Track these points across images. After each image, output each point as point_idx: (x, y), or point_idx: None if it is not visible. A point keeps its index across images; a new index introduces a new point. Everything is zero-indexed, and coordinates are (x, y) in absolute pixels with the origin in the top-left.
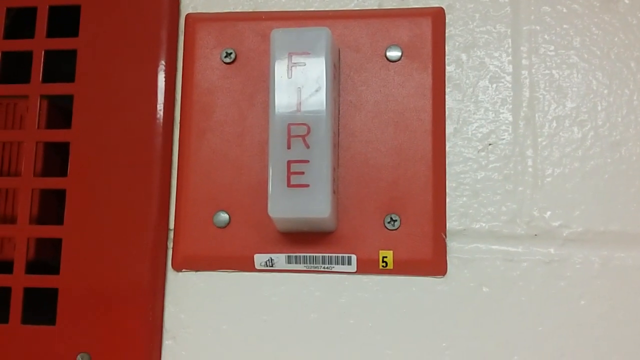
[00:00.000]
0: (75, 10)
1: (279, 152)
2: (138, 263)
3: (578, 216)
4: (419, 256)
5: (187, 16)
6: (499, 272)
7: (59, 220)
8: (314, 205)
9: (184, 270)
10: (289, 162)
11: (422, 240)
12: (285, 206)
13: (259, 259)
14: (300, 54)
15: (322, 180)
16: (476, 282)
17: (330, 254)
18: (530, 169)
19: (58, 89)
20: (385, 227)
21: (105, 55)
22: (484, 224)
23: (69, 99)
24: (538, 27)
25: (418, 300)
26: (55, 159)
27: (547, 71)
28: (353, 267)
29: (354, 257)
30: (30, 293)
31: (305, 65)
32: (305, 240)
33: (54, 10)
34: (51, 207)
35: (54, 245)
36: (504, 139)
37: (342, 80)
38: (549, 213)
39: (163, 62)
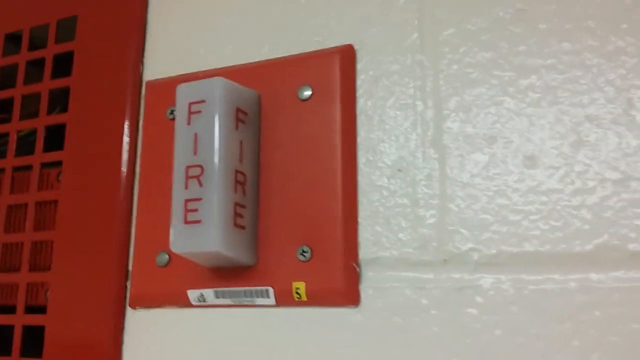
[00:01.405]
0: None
1: (178, 192)
2: (102, 302)
3: (489, 238)
4: (331, 286)
5: (147, 83)
6: (410, 300)
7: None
8: (205, 239)
9: (137, 307)
10: (185, 201)
11: (333, 270)
12: (182, 242)
13: (192, 294)
14: (198, 103)
15: (214, 215)
16: (388, 311)
17: (250, 288)
18: (438, 192)
19: (53, 156)
20: (298, 258)
21: (87, 125)
22: (395, 252)
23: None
24: (445, 49)
25: (333, 331)
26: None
27: (455, 95)
28: (272, 300)
29: (271, 290)
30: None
31: (201, 112)
32: (230, 276)
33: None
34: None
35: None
36: (412, 164)
37: (262, 122)
38: (458, 237)
39: (127, 125)
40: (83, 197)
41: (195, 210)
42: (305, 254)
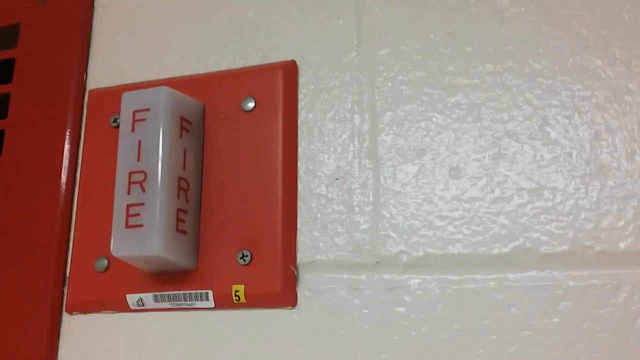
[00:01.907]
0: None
1: (120, 197)
2: (37, 308)
3: (417, 242)
4: (269, 289)
5: (90, 92)
6: (344, 300)
7: None
8: (147, 243)
9: (74, 313)
10: (127, 206)
11: (271, 273)
12: (123, 245)
13: (131, 299)
14: (142, 111)
15: (156, 220)
16: (324, 311)
17: (190, 291)
18: (371, 200)
19: None
20: (238, 262)
21: (26, 132)
22: (331, 255)
23: None
24: (381, 67)
25: (271, 331)
26: None
27: (389, 110)
28: (211, 303)
29: (210, 293)
30: None
31: (145, 120)
32: (170, 280)
33: None
34: None
35: None
36: (349, 173)
37: (205, 131)
38: (389, 240)
39: (69, 132)
40: (21, 204)
41: (138, 214)
42: (245, 258)
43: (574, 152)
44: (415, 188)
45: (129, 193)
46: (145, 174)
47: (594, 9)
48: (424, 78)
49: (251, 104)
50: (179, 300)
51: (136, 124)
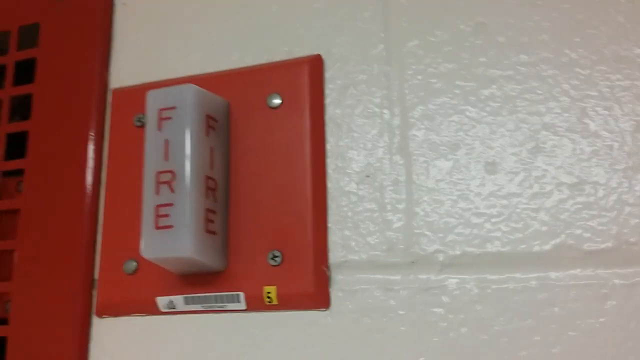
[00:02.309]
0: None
1: (148, 197)
2: (68, 311)
3: (453, 240)
4: (302, 290)
5: (114, 91)
6: (379, 301)
7: None
8: (177, 244)
9: (104, 316)
10: (156, 207)
11: (303, 274)
12: (154, 247)
13: (161, 301)
14: (168, 109)
15: (186, 220)
16: (358, 313)
17: (221, 293)
18: (404, 197)
19: (14, 164)
20: (269, 263)
21: (50, 133)
22: (364, 255)
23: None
24: (410, 60)
25: (304, 333)
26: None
27: (418, 101)
28: (243, 305)
29: (242, 295)
30: None
31: (172, 118)
32: (200, 282)
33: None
34: None
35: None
36: (380, 170)
37: (231, 129)
38: (424, 239)
39: (92, 133)
40: (46, 206)
41: (167, 215)
42: (276, 259)
43: (615, 145)
44: (450, 184)
45: (157, 193)
46: (174, 174)
47: None
48: (455, 70)
49: (277, 101)
50: (209, 302)
51: (162, 122)
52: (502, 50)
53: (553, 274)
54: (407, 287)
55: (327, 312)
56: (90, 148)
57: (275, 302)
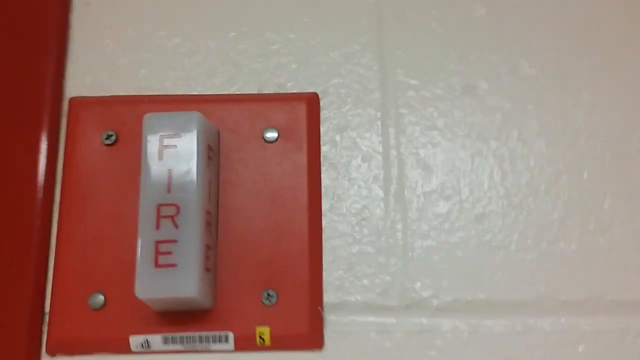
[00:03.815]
0: None
1: (147, 232)
2: (11, 348)
3: (447, 286)
4: (296, 330)
5: (71, 100)
6: (373, 343)
7: None
8: (182, 284)
9: (58, 355)
10: (157, 242)
11: (298, 314)
12: (152, 286)
13: (135, 340)
14: (172, 137)
15: (191, 259)
16: (352, 354)
17: (207, 333)
18: (400, 242)
19: None
20: (263, 302)
21: None
22: (359, 297)
23: None
24: (405, 110)
25: None
26: None
27: (414, 150)
28: (230, 345)
29: (231, 335)
30: None
31: (176, 147)
32: (182, 320)
33: None
34: None
35: None
36: (376, 214)
37: (221, 161)
38: (419, 284)
39: (45, 145)
40: None
41: (169, 253)
42: (270, 298)
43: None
44: (445, 232)
45: (157, 228)
46: (178, 208)
47: (614, 68)
48: (449, 124)
49: (274, 135)
50: (192, 343)
51: (165, 150)
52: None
53: (534, 321)
54: (401, 330)
55: (320, 353)
56: (42, 160)
57: (268, 342)
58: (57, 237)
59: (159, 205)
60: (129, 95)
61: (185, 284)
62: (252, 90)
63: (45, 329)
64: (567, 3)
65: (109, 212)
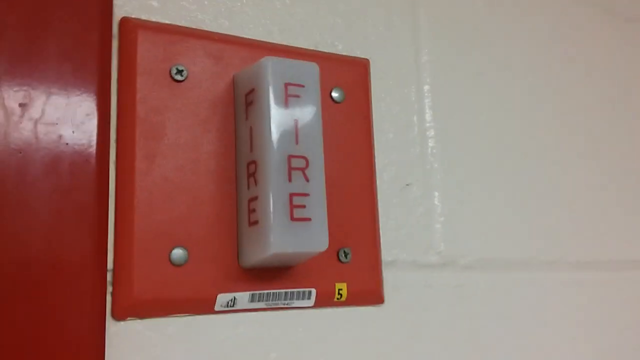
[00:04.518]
0: None
1: (279, 183)
2: (71, 312)
3: (472, 248)
4: (368, 287)
5: (124, 20)
6: (420, 297)
7: None
8: (316, 239)
9: (128, 318)
10: (291, 195)
11: (370, 271)
12: (288, 240)
13: (222, 298)
14: (296, 86)
15: (322, 213)
16: (405, 307)
17: (292, 289)
18: (441, 205)
19: None
20: (340, 260)
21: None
22: (407, 256)
23: None
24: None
25: (364, 328)
26: None
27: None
28: (311, 301)
29: (313, 291)
30: None
31: (300, 97)
32: (268, 277)
33: None
34: None
35: None
36: (418, 180)
37: None
38: (450, 245)
39: (94, 71)
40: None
41: (303, 206)
42: (347, 255)
43: None
44: (477, 201)
45: (290, 180)
46: (307, 161)
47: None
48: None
49: (340, 95)
50: (276, 300)
51: (289, 99)
52: None
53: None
54: (441, 284)
55: (381, 307)
56: (90, 92)
57: (344, 298)
58: (118, 183)
59: (290, 156)
60: (194, 29)
61: (318, 238)
62: (309, 45)
63: (110, 289)
64: None
65: (184, 158)
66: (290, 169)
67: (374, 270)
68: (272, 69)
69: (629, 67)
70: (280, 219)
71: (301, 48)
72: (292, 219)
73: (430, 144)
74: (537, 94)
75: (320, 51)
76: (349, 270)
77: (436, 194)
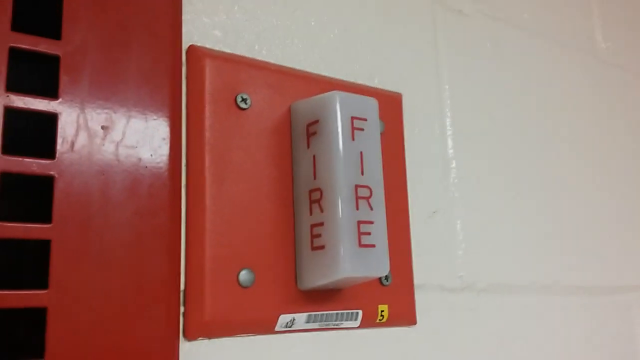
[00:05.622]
0: None
1: (348, 211)
2: (149, 333)
3: (488, 272)
4: (405, 308)
5: (192, 48)
6: (446, 318)
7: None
8: (379, 264)
9: (199, 338)
10: (358, 223)
11: (406, 294)
12: (356, 265)
13: (283, 319)
14: (360, 120)
15: (384, 240)
16: (433, 328)
17: (341, 311)
18: (463, 233)
19: None
20: (382, 283)
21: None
22: (433, 280)
23: None
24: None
25: (401, 347)
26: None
27: (471, 161)
28: (357, 323)
29: (360, 313)
30: None
31: (364, 130)
32: (321, 299)
33: None
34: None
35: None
36: (442, 208)
37: None
38: (469, 270)
39: (166, 97)
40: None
41: (369, 233)
42: (388, 279)
43: None
44: (496, 227)
45: (357, 208)
46: (371, 191)
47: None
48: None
49: (382, 127)
50: (328, 321)
51: (355, 132)
52: None
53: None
54: (461, 307)
55: (413, 328)
56: (165, 116)
57: (385, 320)
58: (189, 204)
59: (357, 186)
60: (253, 59)
61: (381, 263)
62: (351, 79)
63: (182, 309)
64: None
65: (250, 182)
66: (357, 197)
67: (409, 293)
68: (340, 103)
69: None
70: (349, 245)
71: (346, 81)
72: (360, 245)
73: (452, 175)
74: (552, 132)
75: (361, 84)
76: (389, 293)
77: (458, 222)
